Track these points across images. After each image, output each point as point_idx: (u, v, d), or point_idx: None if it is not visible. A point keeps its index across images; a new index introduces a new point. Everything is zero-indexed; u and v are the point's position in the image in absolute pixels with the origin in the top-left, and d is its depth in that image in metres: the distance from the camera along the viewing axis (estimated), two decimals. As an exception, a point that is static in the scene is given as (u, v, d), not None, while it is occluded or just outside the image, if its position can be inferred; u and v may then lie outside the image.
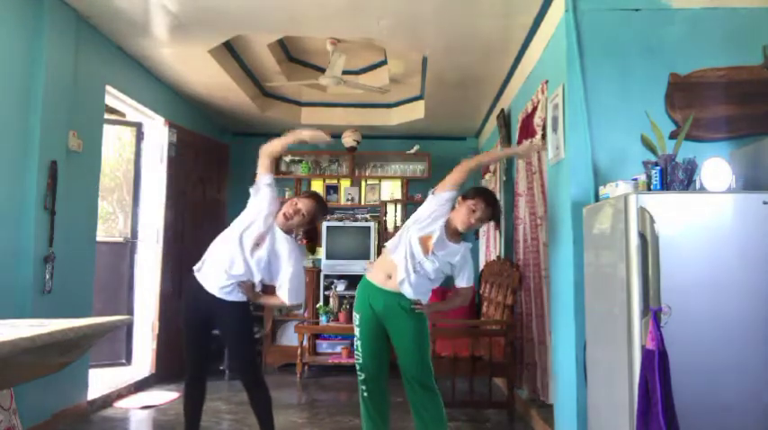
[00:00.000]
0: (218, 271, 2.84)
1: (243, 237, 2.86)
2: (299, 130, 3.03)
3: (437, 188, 2.93)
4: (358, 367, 2.89)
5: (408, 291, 2.78)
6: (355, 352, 2.92)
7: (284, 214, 2.90)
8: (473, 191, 2.86)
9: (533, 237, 3.86)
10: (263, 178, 2.98)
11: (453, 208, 2.86)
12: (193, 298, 2.90)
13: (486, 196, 2.82)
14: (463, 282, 2.90)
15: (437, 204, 2.86)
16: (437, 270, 2.81)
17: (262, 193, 2.96)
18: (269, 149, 3.00)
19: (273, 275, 2.91)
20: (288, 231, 2.94)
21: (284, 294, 2.88)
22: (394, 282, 2.81)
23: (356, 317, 2.90)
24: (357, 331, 2.88)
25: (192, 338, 2.94)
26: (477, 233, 6.22)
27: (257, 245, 2.86)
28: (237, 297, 2.86)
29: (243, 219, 2.93)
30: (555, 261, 3.36)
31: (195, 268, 2.91)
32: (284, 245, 2.90)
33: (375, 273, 2.91)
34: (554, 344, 3.40)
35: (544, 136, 3.58)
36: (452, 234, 2.84)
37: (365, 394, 2.88)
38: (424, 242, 2.79)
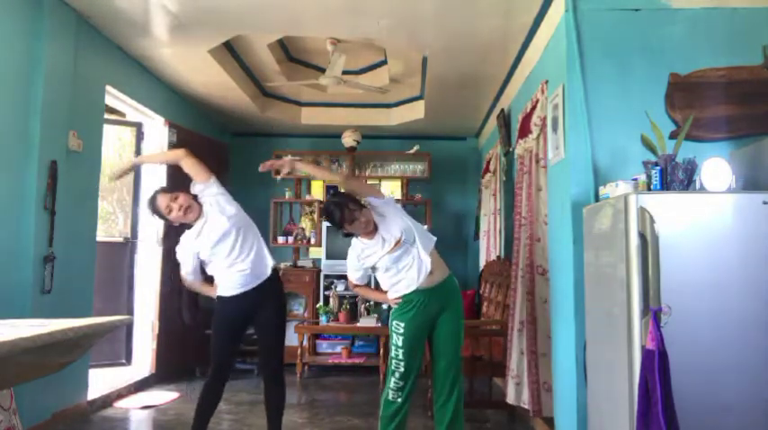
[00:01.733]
0: (245, 273, 2.88)
1: (217, 252, 2.90)
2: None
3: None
4: (399, 376, 2.83)
5: (428, 262, 2.81)
6: (394, 360, 2.85)
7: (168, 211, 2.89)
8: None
9: (526, 236, 3.88)
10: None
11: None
12: (234, 309, 2.92)
13: (325, 212, 2.89)
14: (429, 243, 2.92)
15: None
16: (405, 241, 2.82)
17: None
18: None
19: (234, 210, 2.95)
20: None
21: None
22: (434, 275, 2.84)
23: (399, 325, 2.85)
24: (399, 340, 2.84)
25: (229, 341, 2.97)
26: (476, 233, 6.22)
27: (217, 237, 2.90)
28: (271, 271, 2.94)
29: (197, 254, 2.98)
30: (555, 261, 3.35)
31: (224, 293, 2.91)
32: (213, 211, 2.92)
33: (413, 285, 2.84)
34: (553, 344, 3.40)
35: (540, 136, 3.58)
36: (374, 229, 2.88)
37: (403, 405, 2.84)
38: (392, 248, 2.83)
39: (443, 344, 2.87)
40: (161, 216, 2.92)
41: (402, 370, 2.83)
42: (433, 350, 2.92)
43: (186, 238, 2.95)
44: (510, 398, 3.74)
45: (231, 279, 2.90)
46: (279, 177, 3.07)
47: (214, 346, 2.95)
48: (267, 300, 2.95)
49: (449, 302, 2.88)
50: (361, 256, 2.90)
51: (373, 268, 2.92)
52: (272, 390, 3.01)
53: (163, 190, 2.96)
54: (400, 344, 2.84)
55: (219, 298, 2.95)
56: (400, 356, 2.83)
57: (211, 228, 2.88)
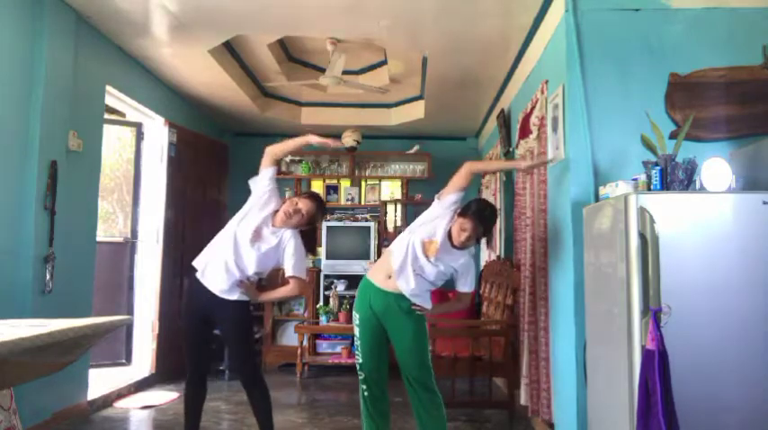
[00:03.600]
0: (218, 271, 2.84)
1: (237, 234, 2.86)
2: (310, 136, 3.09)
3: (442, 192, 2.93)
4: (358, 367, 2.90)
5: (408, 291, 2.79)
6: (355, 351, 2.92)
7: (284, 212, 2.91)
8: (467, 208, 2.80)
9: (531, 236, 3.87)
10: (265, 171, 3.02)
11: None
12: (195, 297, 2.90)
13: (477, 216, 2.74)
14: (465, 286, 2.91)
15: (441, 209, 2.88)
16: (439, 273, 2.82)
17: (260, 184, 2.99)
18: (276, 150, 3.06)
19: (273, 263, 2.93)
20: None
21: (289, 268, 2.90)
22: (393, 283, 2.81)
23: (356, 316, 2.90)
24: (357, 331, 2.89)
25: (193, 338, 2.94)
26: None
27: (256, 237, 2.86)
28: (238, 296, 2.86)
29: (239, 213, 2.96)
30: (555, 261, 3.35)
31: (198, 271, 2.90)
32: (282, 233, 2.92)
33: (375, 272, 2.91)
34: (554, 344, 3.40)
35: (539, 135, 3.58)
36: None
37: (365, 393, 2.89)
38: (426, 246, 2.80)
39: (398, 357, 2.86)
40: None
41: (360, 360, 2.89)
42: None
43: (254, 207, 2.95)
44: (523, 401, 3.74)
45: (211, 265, 2.86)
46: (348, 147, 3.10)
47: (183, 333, 2.96)
48: (223, 314, 2.88)
49: (387, 318, 2.83)
50: (433, 227, 2.84)
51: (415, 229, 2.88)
52: (252, 393, 2.97)
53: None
54: (358, 334, 2.89)
55: (193, 271, 2.91)
56: (358, 349, 2.89)
57: (266, 234, 2.89)
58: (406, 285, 2.78)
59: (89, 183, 4.01)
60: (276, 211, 2.94)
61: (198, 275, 2.89)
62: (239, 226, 2.89)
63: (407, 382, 2.84)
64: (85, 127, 3.88)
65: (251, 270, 2.86)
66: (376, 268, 2.95)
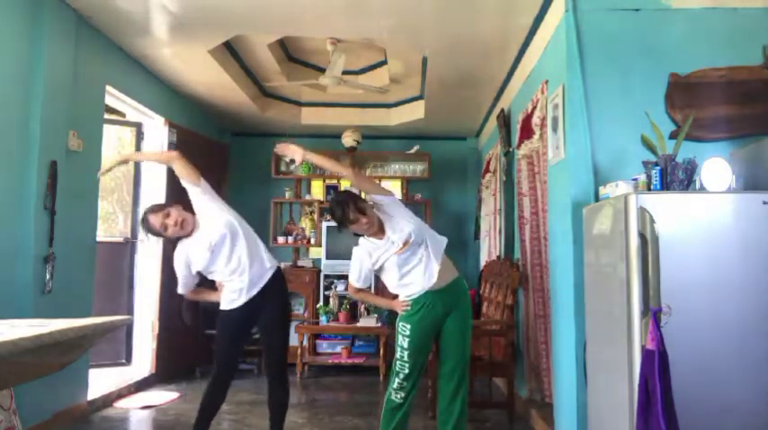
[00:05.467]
0: (248, 271, 2.83)
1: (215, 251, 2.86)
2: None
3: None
4: (402, 377, 2.82)
5: (436, 275, 2.80)
6: (398, 361, 2.84)
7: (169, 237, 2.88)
8: (336, 219, 2.83)
9: (534, 236, 3.87)
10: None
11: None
12: (237, 315, 2.88)
13: (335, 210, 2.79)
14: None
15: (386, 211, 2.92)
16: (412, 237, 2.79)
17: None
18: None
19: (220, 221, 2.88)
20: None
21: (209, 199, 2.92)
22: (442, 277, 2.82)
23: (406, 327, 2.83)
24: (405, 342, 2.82)
25: (234, 347, 2.95)
26: (477, 233, 6.22)
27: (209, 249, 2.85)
28: (271, 266, 2.90)
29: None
30: (555, 261, 3.35)
31: (227, 306, 2.88)
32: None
33: (416, 284, 2.83)
34: (554, 343, 3.40)
35: (542, 136, 3.58)
36: (380, 230, 2.85)
37: (399, 399, 2.83)
38: (399, 251, 2.81)
39: (451, 345, 2.86)
40: (158, 234, 2.87)
41: (406, 371, 2.81)
42: (441, 351, 2.91)
43: (180, 250, 2.90)
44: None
45: (233, 289, 2.86)
46: (291, 164, 3.04)
47: (219, 352, 2.92)
48: (271, 301, 2.90)
49: (457, 304, 2.86)
50: (369, 257, 2.85)
51: (379, 269, 2.89)
52: (276, 390, 3.00)
53: (152, 209, 2.88)
54: (406, 346, 2.82)
55: (222, 311, 2.90)
56: (405, 358, 2.81)
57: (205, 238, 2.83)
58: (436, 273, 2.80)
59: (89, 183, 4.00)
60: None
61: (231, 304, 2.87)
62: (209, 261, 2.85)
63: (451, 371, 2.84)
64: (85, 127, 3.88)
65: (253, 250, 2.87)
66: (413, 281, 2.85)
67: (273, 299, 2.92)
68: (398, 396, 2.84)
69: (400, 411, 2.84)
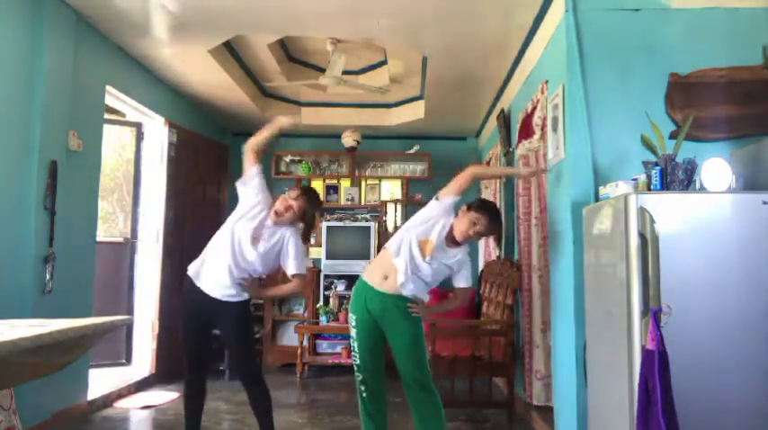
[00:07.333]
0: (219, 273, 2.84)
1: (236, 236, 2.86)
2: (276, 120, 3.12)
3: (441, 193, 2.93)
4: (355, 368, 2.89)
5: (409, 292, 2.79)
6: (352, 352, 2.91)
7: (275, 211, 2.90)
8: (479, 203, 2.87)
9: (526, 236, 3.89)
10: (251, 170, 3.01)
11: (456, 214, 2.87)
12: (192, 301, 2.90)
13: (490, 211, 2.82)
14: (462, 282, 2.90)
15: (440, 209, 2.87)
16: (435, 271, 2.81)
17: (250, 184, 2.98)
18: (254, 143, 3.08)
19: (274, 262, 2.94)
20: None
21: (291, 268, 2.92)
22: (390, 284, 2.80)
23: (352, 318, 2.89)
24: (353, 332, 2.88)
25: (192, 338, 2.94)
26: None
27: (255, 239, 2.86)
28: (237, 293, 2.87)
29: (234, 215, 2.95)
30: (555, 261, 3.35)
31: (192, 274, 2.90)
32: (282, 232, 2.93)
33: (371, 274, 2.90)
34: (554, 344, 3.40)
35: (542, 136, 3.58)
36: (451, 240, 2.84)
37: (364, 394, 2.88)
38: (422, 245, 2.79)
39: (396, 358, 2.85)
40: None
41: (357, 362, 2.87)
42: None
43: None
44: (538, 400, 3.75)
45: (210, 262, 2.87)
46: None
47: (181, 335, 2.95)
48: (224, 314, 2.89)
49: (382, 318, 2.82)
50: (443, 217, 2.84)
51: (420, 225, 2.85)
52: (253, 392, 2.97)
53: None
54: (354, 335, 2.87)
55: (188, 277, 2.91)
56: (356, 349, 2.87)
57: (268, 234, 2.89)
58: (408, 285, 2.78)
59: (89, 183, 4.00)
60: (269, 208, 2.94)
61: (194, 279, 2.89)
62: (237, 227, 2.88)
63: (406, 383, 2.83)
64: (85, 127, 3.88)
65: (253, 269, 2.87)
66: (372, 269, 2.93)
67: (227, 317, 2.90)
68: (361, 388, 2.88)
69: (366, 405, 2.87)
